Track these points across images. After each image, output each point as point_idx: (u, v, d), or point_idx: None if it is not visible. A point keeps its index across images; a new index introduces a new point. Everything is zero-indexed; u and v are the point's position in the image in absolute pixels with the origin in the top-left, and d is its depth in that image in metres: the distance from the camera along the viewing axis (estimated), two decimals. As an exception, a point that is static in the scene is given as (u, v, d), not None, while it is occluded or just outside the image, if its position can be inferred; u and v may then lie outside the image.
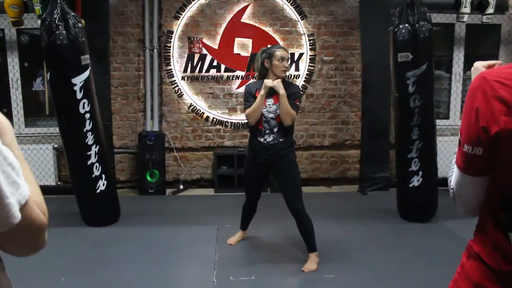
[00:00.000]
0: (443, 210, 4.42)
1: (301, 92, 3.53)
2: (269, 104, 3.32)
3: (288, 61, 3.34)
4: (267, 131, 3.34)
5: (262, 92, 3.27)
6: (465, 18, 5.16)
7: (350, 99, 5.73)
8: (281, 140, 3.33)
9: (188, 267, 3.46)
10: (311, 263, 3.35)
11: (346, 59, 5.66)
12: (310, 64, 5.62)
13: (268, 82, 3.26)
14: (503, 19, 5.65)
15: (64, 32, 3.67)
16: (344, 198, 5.29)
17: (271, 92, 3.30)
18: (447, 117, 5.89)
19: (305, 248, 3.43)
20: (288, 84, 3.39)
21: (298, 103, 3.34)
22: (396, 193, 4.54)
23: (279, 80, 3.27)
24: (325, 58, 5.65)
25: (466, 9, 5.09)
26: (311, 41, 5.58)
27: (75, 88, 3.82)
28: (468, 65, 5.85)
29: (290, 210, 3.36)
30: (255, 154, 3.43)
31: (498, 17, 5.57)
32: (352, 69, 5.68)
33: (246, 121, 5.55)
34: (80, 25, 3.80)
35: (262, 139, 3.36)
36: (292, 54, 5.54)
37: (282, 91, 3.22)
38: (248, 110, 3.36)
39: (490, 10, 5.15)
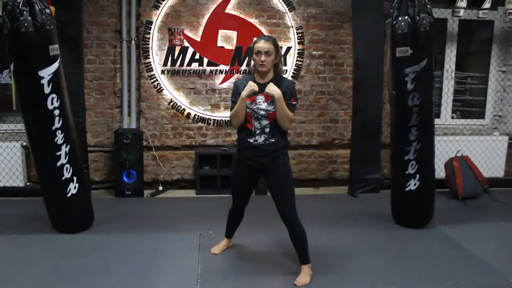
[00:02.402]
0: (438, 214, 4.23)
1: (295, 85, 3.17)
2: (259, 101, 3.00)
3: (268, 54, 2.95)
4: (258, 131, 3.02)
5: (244, 94, 2.95)
6: (461, 12, 4.99)
7: (340, 96, 5.46)
8: (273, 140, 3.02)
9: (168, 280, 3.12)
10: (304, 276, 3.07)
11: (336, 54, 5.38)
12: (298, 59, 5.33)
13: (253, 85, 2.96)
14: (498, 15, 5.44)
15: (29, 18, 3.28)
16: (333, 201, 5.03)
17: (262, 88, 2.98)
18: (438, 116, 5.67)
19: (296, 258, 3.15)
20: (279, 80, 3.05)
21: (295, 102, 3.03)
22: (389, 196, 4.30)
23: (270, 84, 2.96)
24: (313, 52, 5.36)
25: (462, 3, 4.90)
26: (300, 35, 5.29)
27: (42, 81, 3.43)
28: (460, 62, 5.67)
29: (282, 217, 3.07)
30: (244, 156, 3.11)
31: (492, 13, 5.38)
32: (342, 64, 5.41)
33: (229, 118, 5.32)
34: (48, 11, 3.41)
35: (251, 140, 3.04)
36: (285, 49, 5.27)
37: (276, 94, 2.91)
38: (230, 114, 3.08)
39: (487, 4, 4.99)
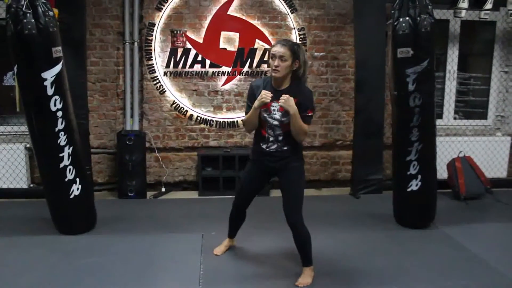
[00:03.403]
0: (440, 214, 4.23)
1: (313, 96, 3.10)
2: (273, 110, 2.96)
3: (283, 60, 2.84)
4: (271, 139, 3.01)
5: (256, 104, 2.89)
6: (463, 13, 4.98)
7: (342, 97, 5.47)
8: (285, 148, 3.01)
9: (170, 281, 3.14)
10: (306, 277, 3.07)
11: (338, 55, 5.39)
12: (300, 60, 5.34)
13: (264, 96, 2.84)
14: (500, 16, 5.44)
15: (32, 20, 3.30)
16: (336, 202, 5.03)
17: (278, 95, 2.89)
18: (440, 116, 5.67)
19: (298, 259, 3.15)
20: (298, 88, 2.95)
21: (311, 114, 2.95)
22: (391, 197, 4.31)
23: (287, 97, 2.83)
24: (316, 54, 5.37)
25: (464, 4, 4.90)
26: (302, 36, 5.30)
27: (45, 83, 3.45)
28: (463, 63, 5.67)
29: (287, 221, 3.05)
30: (257, 159, 3.13)
31: (494, 13, 5.37)
32: (344, 65, 5.42)
33: (232, 120, 5.35)
34: (51, 13, 3.43)
35: (264, 146, 3.04)
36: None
37: (292, 110, 2.82)
38: (243, 119, 3.06)
39: (489, 5, 4.99)
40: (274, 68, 2.88)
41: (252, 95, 3.01)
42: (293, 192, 3.04)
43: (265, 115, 2.98)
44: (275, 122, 2.97)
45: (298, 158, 3.08)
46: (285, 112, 2.89)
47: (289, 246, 3.21)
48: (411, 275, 3.21)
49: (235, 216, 3.46)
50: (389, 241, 3.85)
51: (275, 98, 2.90)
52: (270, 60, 2.92)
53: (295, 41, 2.83)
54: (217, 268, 3.32)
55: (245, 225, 3.55)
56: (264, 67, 5.22)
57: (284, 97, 2.84)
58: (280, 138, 3.00)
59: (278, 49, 2.87)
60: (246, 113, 3.05)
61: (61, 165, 3.70)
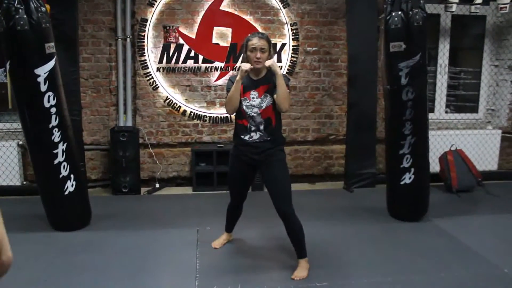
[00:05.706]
0: (433, 207, 4.28)
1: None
2: (253, 97, 3.02)
3: (263, 51, 2.96)
4: (253, 128, 3.04)
5: (238, 77, 2.97)
6: (454, 8, 5.03)
7: (335, 92, 5.50)
8: (268, 138, 3.04)
9: (166, 276, 3.15)
10: (301, 270, 3.09)
11: (330, 50, 5.41)
12: (292, 55, 5.35)
13: (244, 66, 2.97)
14: (490, 10, 5.49)
15: (25, 16, 3.28)
16: (329, 196, 5.07)
17: (256, 84, 3.02)
18: (432, 110, 5.72)
19: (293, 252, 3.17)
20: (272, 74, 3.03)
21: (288, 90, 3.04)
22: (384, 190, 4.34)
23: (273, 59, 2.99)
24: (308, 48, 5.39)
25: (455, -2, 4.94)
26: (294, 31, 5.31)
27: (38, 79, 3.44)
28: (453, 57, 5.72)
29: (278, 213, 3.07)
30: (240, 153, 3.14)
31: (484, 8, 5.43)
32: (337, 60, 5.44)
33: (225, 115, 5.35)
34: (43, 9, 3.41)
35: (247, 137, 3.06)
36: (274, 45, 5.26)
37: (279, 71, 2.94)
38: (226, 99, 3.08)
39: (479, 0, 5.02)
40: (256, 60, 2.97)
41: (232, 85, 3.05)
42: (282, 185, 3.06)
43: (245, 104, 3.03)
44: (255, 110, 3.02)
45: (280, 150, 3.12)
46: (264, 96, 3.01)
47: (284, 239, 3.23)
48: (404, 267, 3.25)
49: (231, 211, 3.50)
50: (382, 233, 3.89)
51: (254, 87, 3.02)
52: (249, 53, 2.99)
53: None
54: (213, 262, 3.33)
55: (241, 219, 3.58)
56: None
57: (270, 61, 2.97)
58: (261, 127, 3.03)
59: (258, 42, 2.97)
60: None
61: (55, 161, 3.69)
